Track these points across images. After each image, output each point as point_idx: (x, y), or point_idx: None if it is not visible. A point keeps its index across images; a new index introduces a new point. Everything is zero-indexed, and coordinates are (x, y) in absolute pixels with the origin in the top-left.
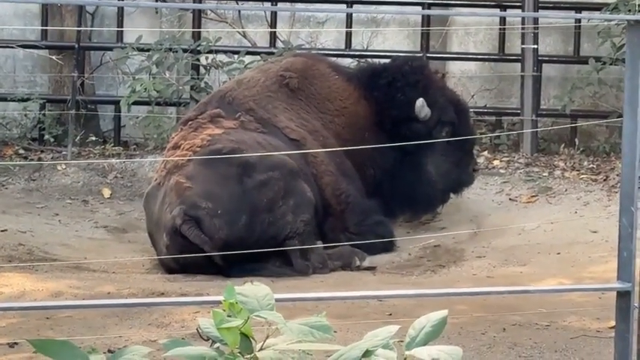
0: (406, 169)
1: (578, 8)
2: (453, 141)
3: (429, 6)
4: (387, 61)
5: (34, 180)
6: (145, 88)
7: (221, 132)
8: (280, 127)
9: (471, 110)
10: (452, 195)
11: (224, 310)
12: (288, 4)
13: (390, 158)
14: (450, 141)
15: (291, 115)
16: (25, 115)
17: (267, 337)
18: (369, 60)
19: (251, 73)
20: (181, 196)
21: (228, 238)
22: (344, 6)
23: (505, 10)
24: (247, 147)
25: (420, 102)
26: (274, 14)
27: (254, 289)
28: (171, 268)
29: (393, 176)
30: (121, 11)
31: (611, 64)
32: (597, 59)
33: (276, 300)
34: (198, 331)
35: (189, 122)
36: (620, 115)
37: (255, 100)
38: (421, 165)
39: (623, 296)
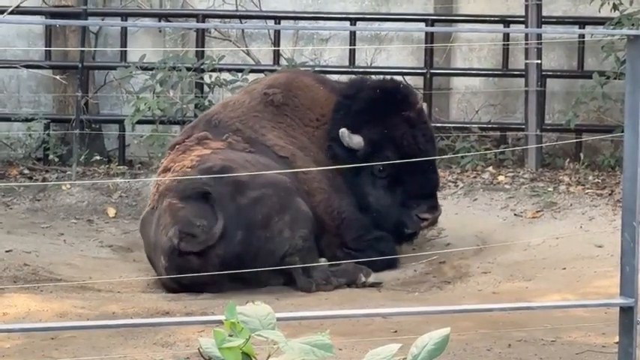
0: (355, 193)
1: (582, 23)
2: (388, 179)
3: (433, 22)
4: (375, 79)
5: (38, 200)
6: (149, 107)
7: (209, 152)
8: (269, 145)
9: (474, 133)
10: (407, 233)
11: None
12: (291, 22)
13: (340, 179)
14: (384, 178)
15: (279, 133)
16: (30, 135)
17: (269, 356)
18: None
19: (236, 96)
20: (175, 216)
21: (225, 255)
22: (347, 23)
23: (509, 26)
24: (237, 165)
25: (342, 131)
26: (277, 32)
27: (255, 309)
28: (173, 288)
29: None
30: (124, 30)
31: (615, 79)
32: (601, 73)
33: (278, 319)
34: (199, 350)
35: (177, 146)
36: None
37: (241, 121)
38: (364, 193)
39: (626, 312)
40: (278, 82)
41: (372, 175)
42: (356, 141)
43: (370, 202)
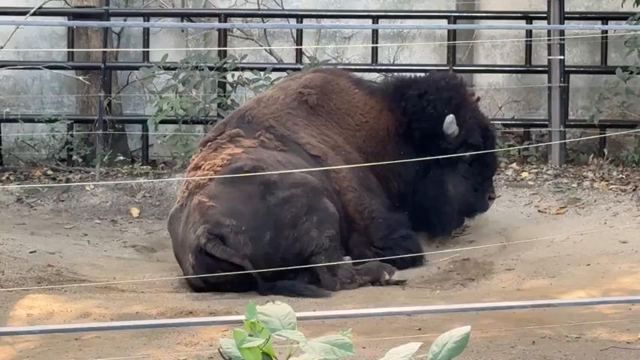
0: (427, 183)
1: (604, 18)
2: (474, 165)
3: (455, 19)
4: (421, 75)
5: (62, 201)
6: (172, 107)
7: (241, 151)
8: (301, 144)
9: (498, 130)
10: (466, 220)
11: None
12: (313, 21)
13: (412, 171)
14: (471, 164)
15: (312, 132)
16: (53, 136)
17: (290, 356)
18: (397, 74)
19: (270, 92)
20: (204, 215)
21: (253, 254)
22: (369, 21)
23: (531, 22)
24: (268, 165)
25: (450, 118)
26: (300, 30)
27: (275, 308)
28: (199, 287)
29: (415, 190)
30: (146, 31)
31: (638, 74)
32: (624, 69)
33: (299, 318)
34: (219, 351)
35: (209, 143)
36: None
37: (275, 118)
38: (442, 182)
39: None
40: (314, 83)
41: (458, 162)
42: (455, 127)
43: (456, 190)
